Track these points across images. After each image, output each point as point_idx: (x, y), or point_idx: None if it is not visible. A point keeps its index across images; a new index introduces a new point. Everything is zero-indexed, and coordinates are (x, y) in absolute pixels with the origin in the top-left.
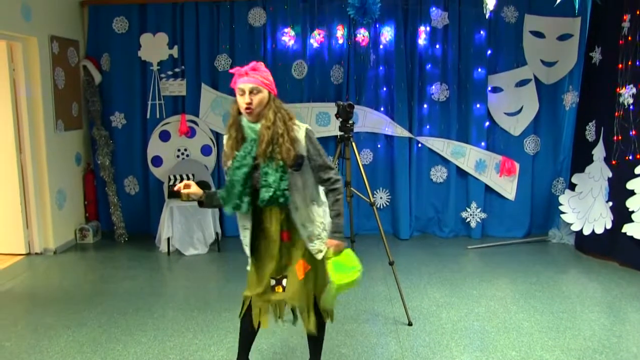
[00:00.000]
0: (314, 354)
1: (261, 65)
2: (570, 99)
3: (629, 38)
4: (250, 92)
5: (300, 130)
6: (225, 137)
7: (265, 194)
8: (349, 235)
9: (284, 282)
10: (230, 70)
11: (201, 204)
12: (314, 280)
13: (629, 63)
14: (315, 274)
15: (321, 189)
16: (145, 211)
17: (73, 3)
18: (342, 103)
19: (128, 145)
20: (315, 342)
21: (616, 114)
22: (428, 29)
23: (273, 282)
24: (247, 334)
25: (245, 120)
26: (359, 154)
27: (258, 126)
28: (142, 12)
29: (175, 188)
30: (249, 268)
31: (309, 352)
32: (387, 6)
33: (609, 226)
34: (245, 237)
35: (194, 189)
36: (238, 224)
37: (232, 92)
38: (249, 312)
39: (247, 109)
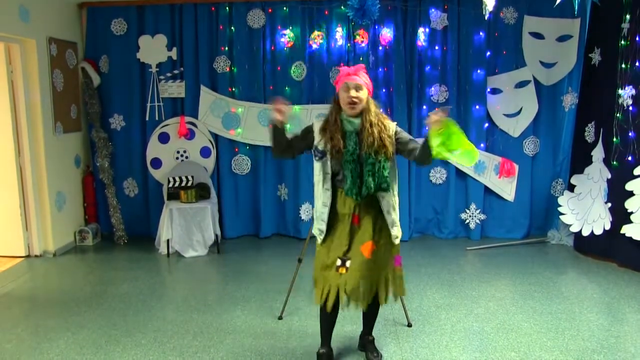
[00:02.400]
0: (369, 327)
1: (363, 67)
2: (569, 100)
3: (629, 39)
4: (356, 89)
5: (391, 127)
6: (318, 124)
7: (372, 183)
8: None
9: (348, 263)
10: (340, 68)
11: (278, 131)
12: (383, 258)
13: (629, 64)
14: (381, 254)
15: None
16: (144, 213)
17: (71, 5)
18: None
19: (127, 148)
20: (373, 316)
21: (616, 115)
22: (427, 30)
23: (339, 262)
24: (328, 319)
25: (343, 115)
26: None
27: (356, 120)
28: (141, 14)
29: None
30: (319, 243)
31: (363, 327)
32: (386, 7)
33: (607, 227)
34: (324, 214)
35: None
36: (318, 202)
37: (231, 94)
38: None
39: (351, 102)
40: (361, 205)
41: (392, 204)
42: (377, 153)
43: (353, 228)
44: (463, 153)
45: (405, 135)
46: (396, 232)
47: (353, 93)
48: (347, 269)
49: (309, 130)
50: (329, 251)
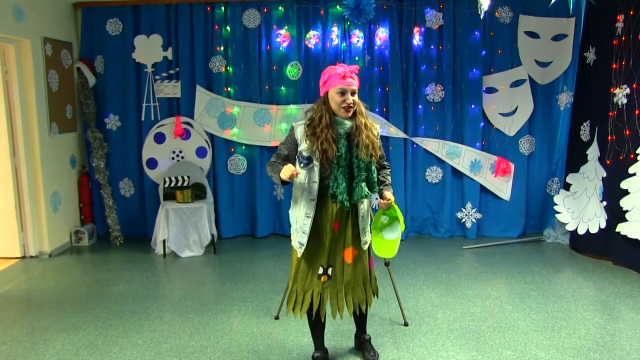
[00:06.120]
0: (362, 329)
1: (357, 68)
2: (564, 99)
3: (623, 38)
4: (352, 94)
5: (377, 129)
6: (301, 127)
7: (365, 188)
8: None
9: (330, 271)
10: (333, 68)
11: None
12: (362, 263)
13: (623, 63)
14: (360, 258)
15: None
16: (140, 213)
17: (66, 5)
18: None
19: (123, 148)
20: (363, 317)
21: (610, 113)
22: (423, 29)
23: (321, 270)
24: (317, 325)
25: (336, 117)
26: None
27: (348, 122)
28: (136, 14)
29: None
30: (299, 256)
31: (356, 328)
32: (381, 7)
33: (603, 225)
34: (306, 225)
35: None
36: (298, 213)
37: (227, 94)
38: (310, 305)
39: (348, 108)
40: (342, 211)
41: (367, 209)
42: (371, 155)
43: (333, 235)
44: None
45: (381, 148)
46: (367, 238)
47: (350, 99)
48: (329, 276)
49: (292, 136)
50: (311, 261)
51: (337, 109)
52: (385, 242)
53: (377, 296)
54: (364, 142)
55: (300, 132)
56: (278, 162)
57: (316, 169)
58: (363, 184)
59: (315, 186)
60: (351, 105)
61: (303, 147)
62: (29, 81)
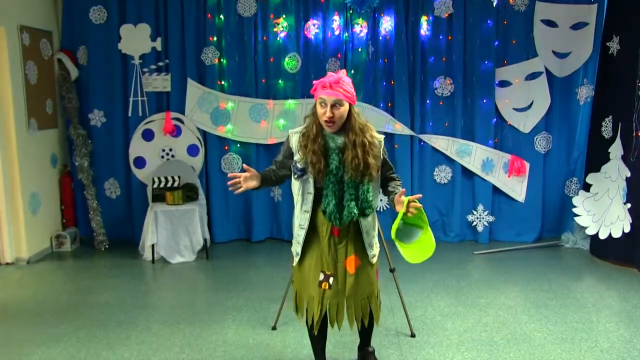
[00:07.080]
0: (366, 341)
1: (344, 75)
2: (584, 92)
3: None
4: (333, 106)
5: (379, 142)
6: (296, 136)
7: (354, 209)
8: None
9: (331, 280)
10: (315, 82)
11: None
12: (366, 274)
13: None
14: (365, 269)
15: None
16: (127, 216)
17: None
18: None
19: (108, 146)
20: (367, 329)
21: (635, 108)
22: (431, 18)
23: (322, 276)
24: (317, 336)
25: (326, 132)
26: None
27: (340, 138)
28: (122, 1)
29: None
30: (295, 264)
31: (359, 339)
32: None
33: (627, 229)
34: (300, 236)
35: (252, 182)
36: (294, 222)
37: (220, 88)
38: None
39: (328, 122)
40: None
41: (372, 224)
42: (363, 175)
43: (333, 240)
44: (419, 243)
45: (387, 161)
46: (374, 251)
47: (329, 113)
48: (330, 285)
49: (288, 144)
50: (310, 268)
51: (322, 123)
52: (406, 247)
53: (378, 324)
54: (349, 163)
55: (295, 141)
56: (272, 168)
57: (311, 180)
58: (352, 204)
59: (310, 197)
60: (331, 119)
61: (297, 157)
62: (4, 73)
